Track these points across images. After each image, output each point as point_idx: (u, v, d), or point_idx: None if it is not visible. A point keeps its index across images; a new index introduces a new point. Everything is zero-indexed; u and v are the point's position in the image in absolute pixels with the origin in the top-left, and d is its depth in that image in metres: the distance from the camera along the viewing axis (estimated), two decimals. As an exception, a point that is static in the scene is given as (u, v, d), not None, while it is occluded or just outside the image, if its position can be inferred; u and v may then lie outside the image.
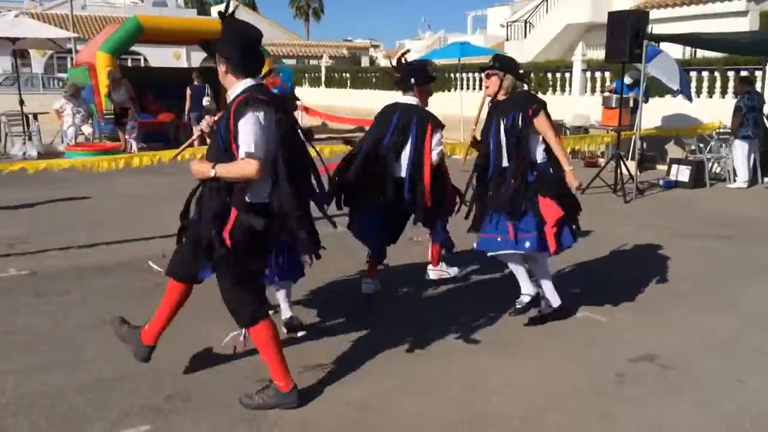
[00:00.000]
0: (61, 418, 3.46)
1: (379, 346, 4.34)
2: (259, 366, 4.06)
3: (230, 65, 3.41)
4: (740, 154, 10.59)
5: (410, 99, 5.10)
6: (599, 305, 5.15)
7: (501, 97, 4.68)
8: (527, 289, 4.91)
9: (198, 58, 36.80)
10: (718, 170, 11.46)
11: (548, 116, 4.57)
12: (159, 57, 34.02)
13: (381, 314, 4.98)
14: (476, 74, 18.14)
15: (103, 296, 5.33)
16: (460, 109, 14.34)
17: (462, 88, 16.71)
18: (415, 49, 45.49)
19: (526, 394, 3.75)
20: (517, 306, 4.91)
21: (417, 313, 5.01)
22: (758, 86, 12.20)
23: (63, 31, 16.55)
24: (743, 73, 11.76)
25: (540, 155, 4.62)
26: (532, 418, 3.50)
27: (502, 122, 4.61)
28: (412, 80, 5.08)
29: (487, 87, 4.74)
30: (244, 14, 40.32)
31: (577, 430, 3.38)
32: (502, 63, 4.71)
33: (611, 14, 9.61)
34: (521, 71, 4.73)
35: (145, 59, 36.02)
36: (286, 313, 4.62)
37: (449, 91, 18.60)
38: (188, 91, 14.87)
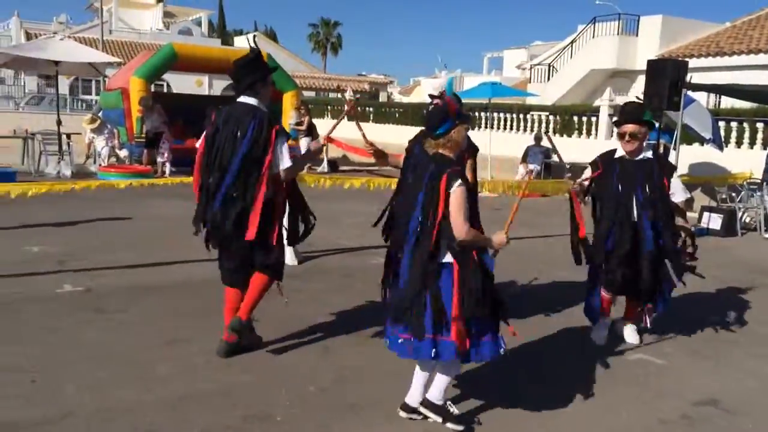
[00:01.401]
0: (143, 432, 3.52)
1: (458, 378, 4.39)
2: (329, 387, 4.14)
3: None
4: None
5: None
6: (652, 348, 5.21)
7: None
8: None
9: (220, 85, 37.37)
10: (747, 220, 11.54)
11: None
12: (182, 83, 34.52)
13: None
14: (506, 114, 18.42)
15: (165, 315, 5.42)
16: (488, 148, 14.49)
17: (491, 128, 16.92)
18: (432, 86, 46.27)
19: (595, 431, 3.79)
20: None
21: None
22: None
23: (108, 56, 16.82)
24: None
25: None
26: (608, 455, 3.54)
27: None
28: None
29: None
30: (264, 45, 41.10)
31: (655, 469, 3.42)
32: (462, 118, 4.47)
33: (651, 62, 9.79)
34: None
35: (168, 85, 36.55)
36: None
37: (477, 129, 18.84)
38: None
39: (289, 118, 18.48)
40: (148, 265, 6.94)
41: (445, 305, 3.43)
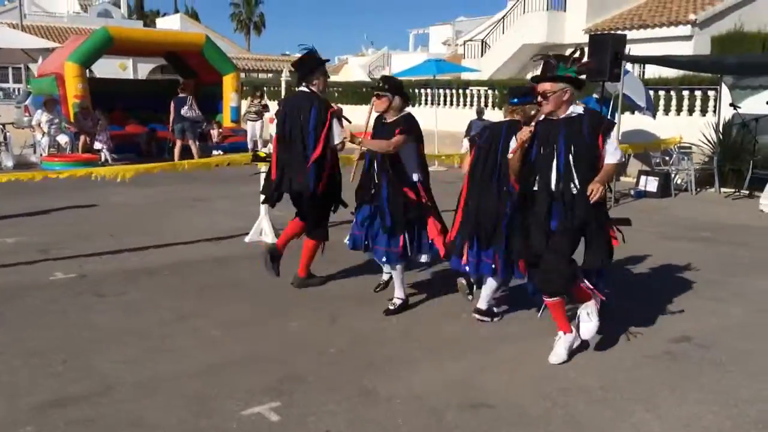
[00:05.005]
0: (191, 398, 3.75)
1: (460, 332, 4.80)
2: (347, 348, 4.46)
3: None
4: None
5: None
6: (621, 297, 5.72)
7: (389, 118, 5.13)
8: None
9: (145, 69, 36.32)
10: (678, 181, 12.42)
11: (408, 135, 5.00)
12: (105, 67, 33.29)
13: (450, 306, 5.44)
14: (446, 90, 18.88)
15: (166, 295, 5.58)
16: (434, 123, 14.94)
17: (437, 104, 17.30)
18: (359, 65, 46.39)
19: (596, 369, 4.27)
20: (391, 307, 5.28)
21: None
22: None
23: (48, 41, 16.27)
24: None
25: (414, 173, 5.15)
26: (610, 386, 4.01)
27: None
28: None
29: (376, 105, 5.14)
30: (188, 26, 40.13)
31: (656, 397, 3.90)
32: (392, 85, 5.15)
33: (592, 36, 10.40)
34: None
35: (90, 70, 35.20)
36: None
37: (419, 106, 19.24)
38: (172, 104, 14.86)
39: (230, 101, 18.40)
40: (131, 249, 7.01)
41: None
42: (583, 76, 4.34)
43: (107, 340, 4.58)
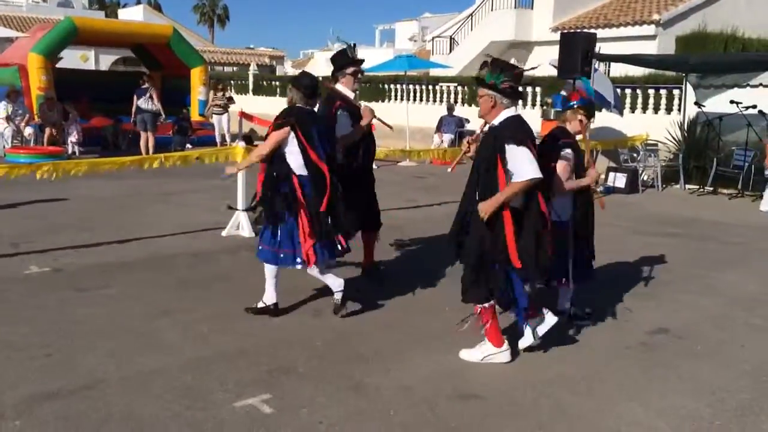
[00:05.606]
0: (181, 392, 3.74)
1: (444, 326, 4.86)
2: (334, 341, 4.49)
3: None
4: None
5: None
6: (596, 292, 5.85)
7: None
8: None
9: (108, 60, 35.61)
10: (645, 178, 12.70)
11: (276, 130, 4.69)
12: (65, 58, 32.52)
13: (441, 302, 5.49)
14: (415, 86, 18.97)
15: (148, 289, 5.53)
16: (405, 119, 15.01)
17: (408, 100, 17.36)
18: (325, 59, 45.84)
19: (577, 360, 4.37)
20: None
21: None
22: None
23: (6, 30, 15.86)
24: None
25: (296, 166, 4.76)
26: (593, 377, 4.12)
27: None
28: None
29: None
30: (151, 17, 39.43)
31: (637, 387, 4.02)
32: (292, 80, 5.07)
33: (563, 35, 10.56)
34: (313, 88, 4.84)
35: (51, 61, 34.34)
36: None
37: (393, 101, 19.27)
38: (135, 97, 14.65)
39: (198, 94, 18.20)
40: (106, 243, 6.92)
41: None
42: (506, 85, 4.03)
43: (91, 335, 4.53)
